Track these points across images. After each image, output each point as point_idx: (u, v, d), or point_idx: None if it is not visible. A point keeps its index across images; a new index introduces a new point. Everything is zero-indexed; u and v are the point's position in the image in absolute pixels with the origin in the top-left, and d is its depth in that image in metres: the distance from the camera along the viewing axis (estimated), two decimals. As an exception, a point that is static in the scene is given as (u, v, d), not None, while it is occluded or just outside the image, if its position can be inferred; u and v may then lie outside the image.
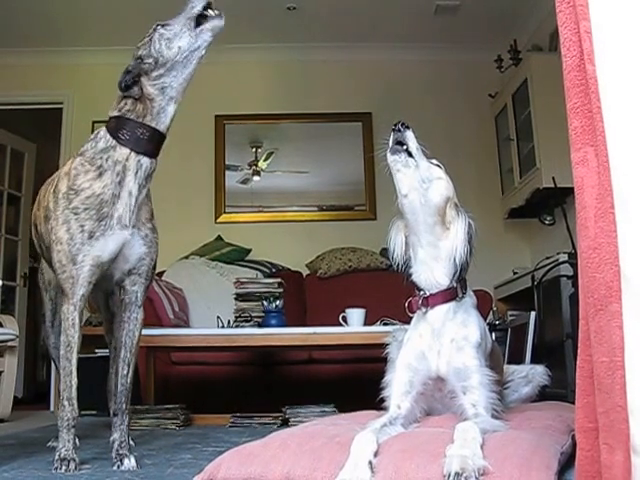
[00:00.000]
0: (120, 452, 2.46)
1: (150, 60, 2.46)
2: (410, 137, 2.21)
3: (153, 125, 2.49)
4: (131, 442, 2.84)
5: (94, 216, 2.44)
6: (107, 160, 2.48)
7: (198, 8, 2.46)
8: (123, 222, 2.48)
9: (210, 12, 2.48)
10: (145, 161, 2.51)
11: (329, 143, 6.65)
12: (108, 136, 2.51)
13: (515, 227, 6.42)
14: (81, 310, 2.46)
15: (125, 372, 2.59)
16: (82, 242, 2.42)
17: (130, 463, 2.39)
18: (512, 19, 6.11)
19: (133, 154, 2.48)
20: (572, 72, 1.32)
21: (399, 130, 2.20)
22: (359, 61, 6.68)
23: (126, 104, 2.50)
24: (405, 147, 2.19)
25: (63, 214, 2.45)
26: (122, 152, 2.48)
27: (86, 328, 5.36)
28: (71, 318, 2.44)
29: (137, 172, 2.50)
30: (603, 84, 1.24)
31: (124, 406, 2.57)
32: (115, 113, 2.52)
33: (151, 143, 2.51)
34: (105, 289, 2.70)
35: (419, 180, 2.18)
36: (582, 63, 1.29)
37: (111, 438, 2.53)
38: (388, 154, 2.20)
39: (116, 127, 2.51)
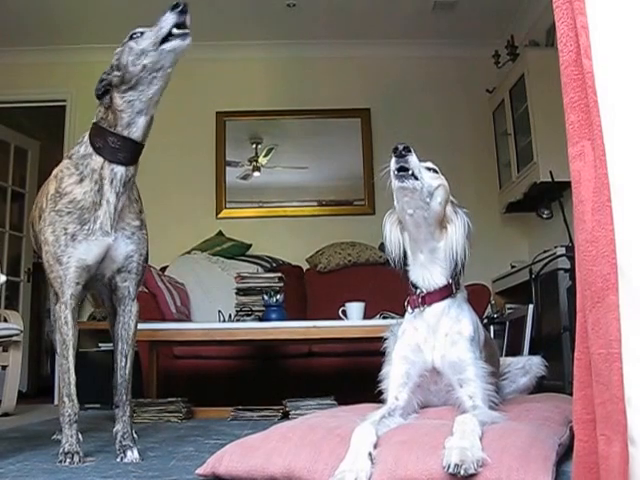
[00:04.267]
0: (123, 444, 2.48)
1: (119, 73, 2.43)
2: (413, 161, 2.15)
3: (125, 134, 2.46)
4: (134, 435, 2.86)
5: (76, 220, 2.46)
6: (86, 167, 2.49)
7: (165, 30, 2.36)
8: (104, 229, 2.49)
9: (175, 31, 2.36)
10: (119, 170, 2.48)
11: (328, 139, 6.65)
12: (88, 142, 2.52)
13: (513, 221, 6.43)
14: (73, 308, 2.48)
15: (123, 364, 2.61)
16: (66, 244, 2.44)
17: (133, 455, 2.42)
18: (509, 15, 6.13)
19: (107, 163, 2.47)
20: (569, 67, 1.33)
21: (401, 155, 2.14)
22: (358, 57, 6.68)
23: (100, 111, 2.51)
24: (410, 172, 2.14)
25: (49, 216, 2.49)
26: (97, 160, 2.48)
27: (89, 323, 5.40)
28: (63, 316, 2.46)
29: (112, 181, 2.48)
30: (600, 79, 1.24)
31: (125, 397, 2.59)
32: (94, 119, 2.53)
33: (124, 152, 2.48)
34: (104, 285, 2.71)
35: (424, 197, 2.18)
36: (579, 58, 1.30)
37: (114, 430, 2.55)
38: (394, 181, 2.16)
39: (93, 134, 2.51)
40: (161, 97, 2.51)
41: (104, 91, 2.46)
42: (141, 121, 2.47)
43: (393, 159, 2.15)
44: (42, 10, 5.84)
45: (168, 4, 2.39)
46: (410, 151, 2.15)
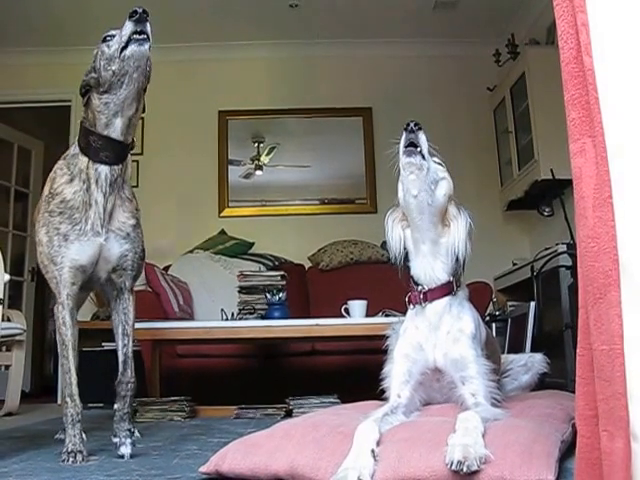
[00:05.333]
0: (121, 425, 2.55)
1: (95, 75, 2.46)
2: (423, 139, 2.18)
3: (105, 134, 2.48)
4: (137, 434, 2.91)
5: (67, 220, 2.48)
6: (75, 166, 2.52)
7: (124, 38, 2.37)
8: (95, 229, 2.51)
9: (134, 36, 2.37)
10: (103, 169, 2.50)
11: (330, 137, 6.67)
12: (77, 142, 2.56)
13: (514, 219, 6.43)
14: (71, 308, 2.51)
15: (125, 343, 2.66)
16: (59, 244, 2.47)
17: (126, 450, 2.46)
18: (510, 14, 6.13)
19: (91, 163, 2.49)
20: (569, 64, 1.33)
21: (412, 131, 2.17)
22: (359, 57, 6.69)
23: (83, 111, 2.53)
24: (419, 149, 2.17)
25: (43, 217, 2.52)
26: (83, 160, 2.51)
27: (92, 322, 5.40)
28: (61, 317, 2.49)
29: (97, 181, 2.50)
30: (600, 75, 1.24)
31: (129, 374, 2.63)
32: (81, 119, 2.56)
33: (106, 151, 2.49)
34: (102, 285, 2.75)
35: (429, 182, 2.19)
36: (579, 55, 1.30)
37: (114, 407, 2.60)
38: (402, 156, 2.18)
39: (79, 134, 2.55)
40: (141, 99, 2.53)
41: (85, 91, 2.50)
42: (118, 122, 2.48)
43: (404, 135, 2.18)
44: (47, 11, 5.86)
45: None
46: (421, 129, 2.18)
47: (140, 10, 2.35)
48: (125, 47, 2.37)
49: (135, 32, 2.35)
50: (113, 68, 2.40)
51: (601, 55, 1.25)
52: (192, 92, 6.56)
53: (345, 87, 6.67)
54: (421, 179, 2.18)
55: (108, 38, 2.44)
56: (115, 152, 2.51)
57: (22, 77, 6.50)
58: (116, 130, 2.48)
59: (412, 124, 2.17)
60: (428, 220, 2.24)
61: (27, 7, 5.79)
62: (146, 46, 2.38)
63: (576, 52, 1.31)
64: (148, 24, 2.37)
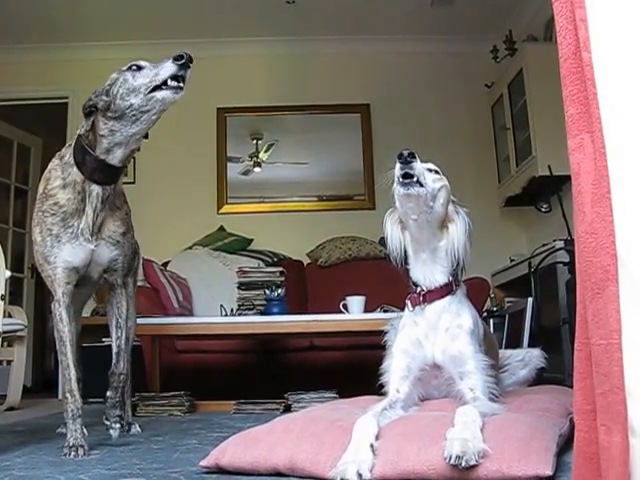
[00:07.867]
0: (111, 412, 2.62)
1: (107, 99, 2.40)
2: (418, 168, 2.13)
3: (102, 158, 2.45)
4: (138, 429, 2.93)
5: (60, 222, 2.49)
6: (69, 175, 2.50)
7: (160, 77, 2.34)
8: (86, 236, 2.52)
9: (171, 82, 2.34)
10: (96, 188, 2.48)
11: (328, 134, 6.67)
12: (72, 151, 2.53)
13: (512, 215, 6.44)
14: (67, 306, 2.53)
15: (118, 335, 2.70)
16: (52, 245, 2.49)
17: (115, 434, 2.55)
18: (507, 10, 6.13)
19: (85, 178, 2.49)
20: (568, 60, 1.33)
21: (405, 162, 2.11)
22: (357, 53, 6.69)
23: (84, 126, 2.47)
24: (415, 178, 2.12)
25: (37, 216, 2.54)
26: (77, 172, 2.48)
27: (92, 318, 5.40)
28: (58, 314, 2.52)
29: (89, 196, 2.49)
30: (599, 71, 1.24)
31: (122, 365, 2.67)
32: (79, 131, 2.51)
33: (101, 173, 2.47)
34: (95, 283, 2.79)
35: (427, 202, 2.18)
36: (578, 51, 1.30)
37: (107, 394, 2.66)
38: (399, 188, 2.15)
39: (75, 147, 2.51)
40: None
41: (89, 111, 2.45)
42: (120, 152, 2.47)
43: (398, 165, 2.14)
44: (44, 8, 5.85)
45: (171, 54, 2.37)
46: (415, 157, 2.13)
47: (187, 56, 2.33)
48: (158, 88, 2.35)
49: (174, 76, 2.33)
50: (133, 101, 2.37)
51: (600, 51, 1.25)
52: (190, 89, 6.49)
53: (343, 84, 6.67)
54: (420, 204, 2.17)
55: (135, 68, 2.40)
56: (109, 176, 2.50)
57: (19, 74, 6.49)
58: (115, 159, 2.47)
59: (405, 154, 2.11)
60: (427, 232, 2.25)
61: (24, 5, 5.78)
62: (180, 94, 2.36)
63: (575, 48, 1.31)
64: (189, 71, 2.35)
